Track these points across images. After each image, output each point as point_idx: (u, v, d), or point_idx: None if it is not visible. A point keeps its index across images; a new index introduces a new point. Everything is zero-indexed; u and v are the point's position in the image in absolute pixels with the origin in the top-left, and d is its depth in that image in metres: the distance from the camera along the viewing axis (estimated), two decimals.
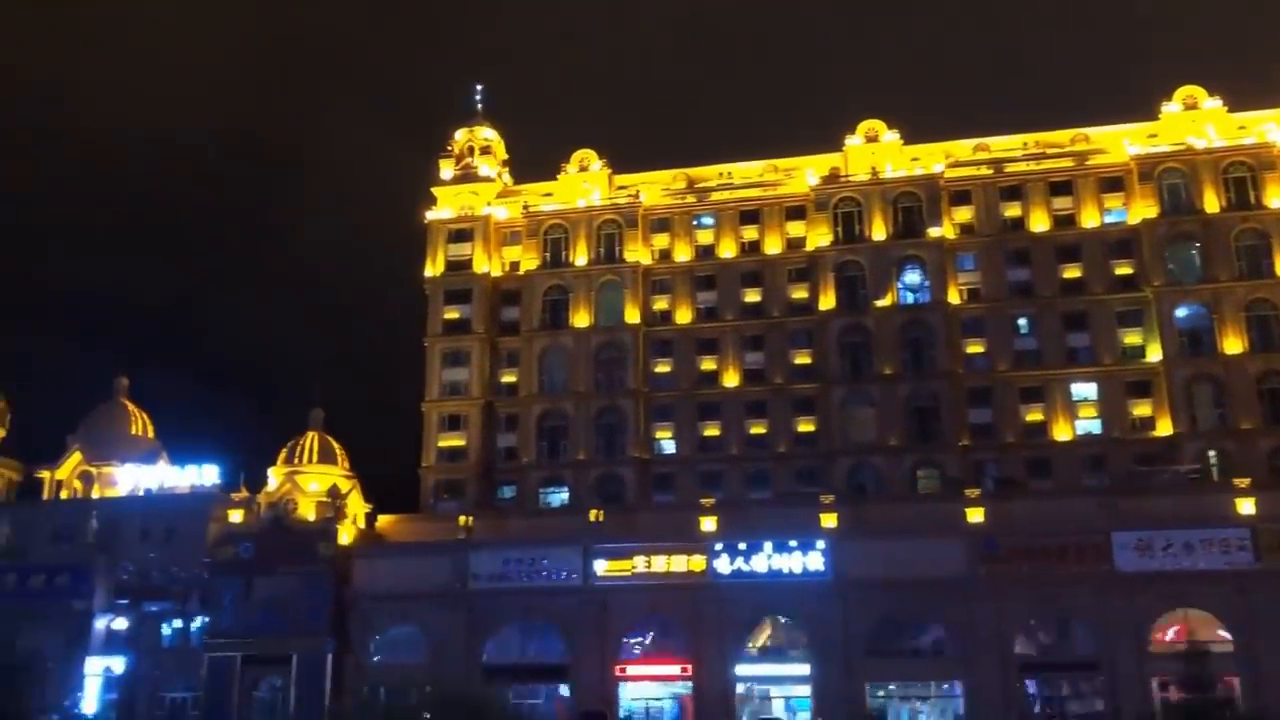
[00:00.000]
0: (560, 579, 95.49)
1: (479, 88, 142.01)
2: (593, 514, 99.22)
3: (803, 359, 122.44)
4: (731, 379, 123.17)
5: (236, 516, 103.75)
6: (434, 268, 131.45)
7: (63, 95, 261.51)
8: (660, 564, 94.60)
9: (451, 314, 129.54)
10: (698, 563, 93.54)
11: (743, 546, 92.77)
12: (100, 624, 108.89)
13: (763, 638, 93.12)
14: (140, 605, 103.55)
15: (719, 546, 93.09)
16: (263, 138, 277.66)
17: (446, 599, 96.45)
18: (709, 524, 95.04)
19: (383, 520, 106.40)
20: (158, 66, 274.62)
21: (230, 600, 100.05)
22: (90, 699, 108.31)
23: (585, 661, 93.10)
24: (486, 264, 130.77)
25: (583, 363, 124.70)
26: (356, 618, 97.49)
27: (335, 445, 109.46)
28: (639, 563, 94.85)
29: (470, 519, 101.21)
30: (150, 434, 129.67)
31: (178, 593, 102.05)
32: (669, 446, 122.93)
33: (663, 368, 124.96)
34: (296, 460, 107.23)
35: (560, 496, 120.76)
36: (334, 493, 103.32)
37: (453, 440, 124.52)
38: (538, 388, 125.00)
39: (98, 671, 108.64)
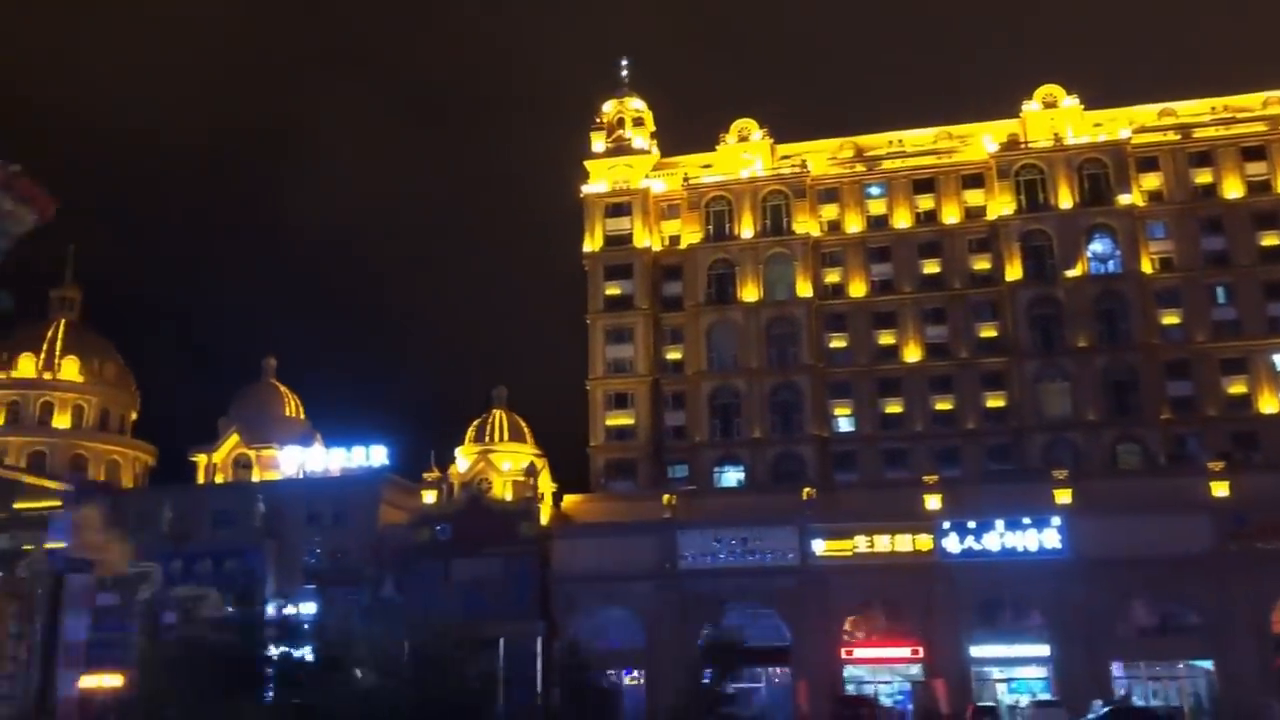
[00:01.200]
0: (775, 559, 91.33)
1: (624, 61, 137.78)
2: (805, 492, 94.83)
3: (988, 332, 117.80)
4: (913, 353, 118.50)
5: (430, 497, 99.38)
6: (592, 243, 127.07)
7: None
8: (884, 543, 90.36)
9: (613, 290, 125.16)
10: (924, 542, 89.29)
11: (972, 525, 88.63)
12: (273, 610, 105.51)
13: (997, 618, 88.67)
14: (328, 590, 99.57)
15: (946, 525, 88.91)
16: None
17: (656, 580, 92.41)
18: (933, 502, 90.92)
19: (568, 500, 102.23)
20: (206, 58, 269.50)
21: (429, 583, 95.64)
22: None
23: (808, 643, 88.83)
24: (646, 238, 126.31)
25: (753, 338, 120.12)
26: (559, 599, 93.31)
27: (523, 424, 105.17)
28: (860, 542, 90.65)
29: (673, 498, 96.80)
30: (301, 415, 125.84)
31: (370, 577, 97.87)
32: (847, 424, 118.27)
33: (838, 342, 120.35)
34: (487, 439, 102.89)
35: (735, 475, 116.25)
36: (531, 471, 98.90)
37: (620, 419, 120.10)
38: (706, 364, 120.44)
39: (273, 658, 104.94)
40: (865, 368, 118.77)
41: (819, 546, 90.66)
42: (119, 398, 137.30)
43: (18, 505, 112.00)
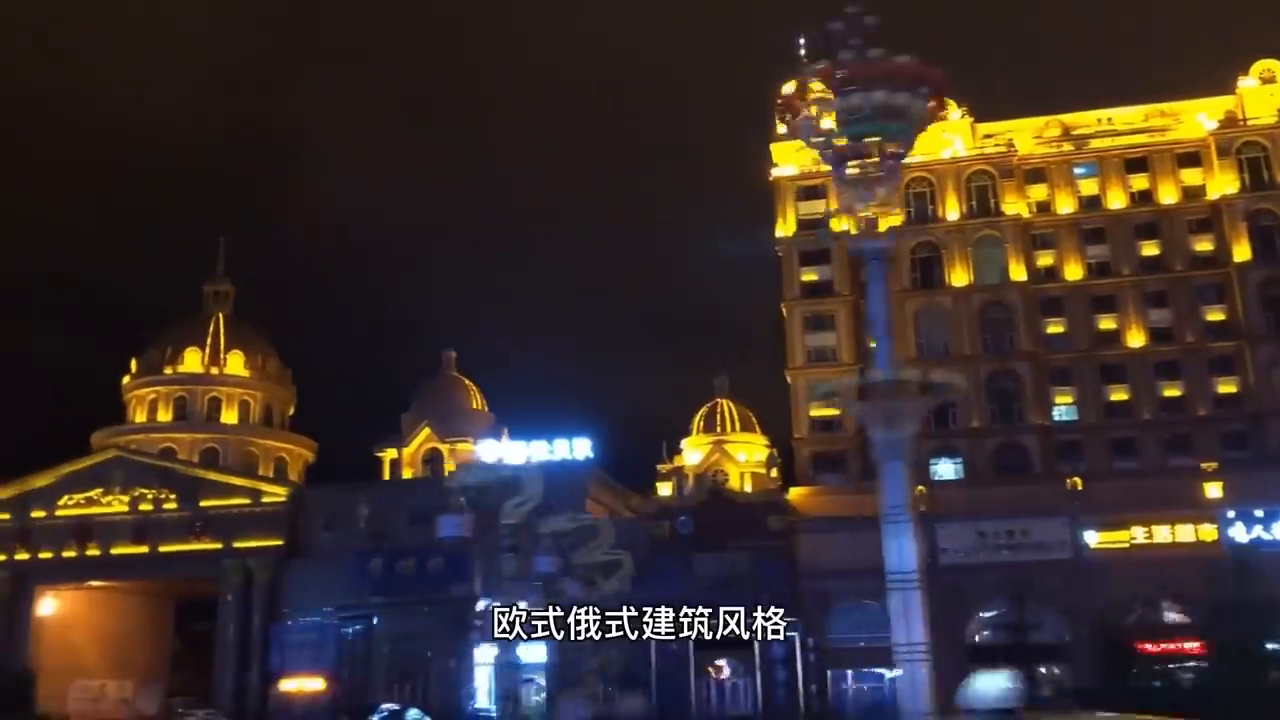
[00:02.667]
0: (1044, 552, 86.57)
1: (801, 40, 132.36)
2: (1069, 481, 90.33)
3: (1215, 315, 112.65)
4: (1136, 338, 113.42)
5: (665, 489, 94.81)
6: (785, 227, 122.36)
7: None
8: (1163, 534, 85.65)
9: (809, 276, 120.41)
10: (1208, 532, 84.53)
11: (1259, 513, 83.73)
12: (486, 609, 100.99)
13: None
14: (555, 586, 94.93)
15: (1231, 514, 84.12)
16: None
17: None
18: (1214, 490, 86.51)
19: (794, 493, 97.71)
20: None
21: (668, 579, 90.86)
22: (483, 691, 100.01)
23: (1085, 640, 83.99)
24: (842, 221, 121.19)
25: (965, 324, 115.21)
26: (809, 596, 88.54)
27: (751, 413, 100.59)
28: (1137, 533, 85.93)
29: (924, 490, 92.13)
30: (485, 408, 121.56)
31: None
32: (1068, 412, 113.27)
33: (1054, 328, 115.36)
34: (719, 429, 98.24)
35: (951, 467, 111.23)
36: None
37: (825, 410, 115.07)
38: (915, 351, 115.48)
39: (488, 661, 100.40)
40: (1085, 353, 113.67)
41: (1092, 538, 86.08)
42: (280, 393, 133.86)
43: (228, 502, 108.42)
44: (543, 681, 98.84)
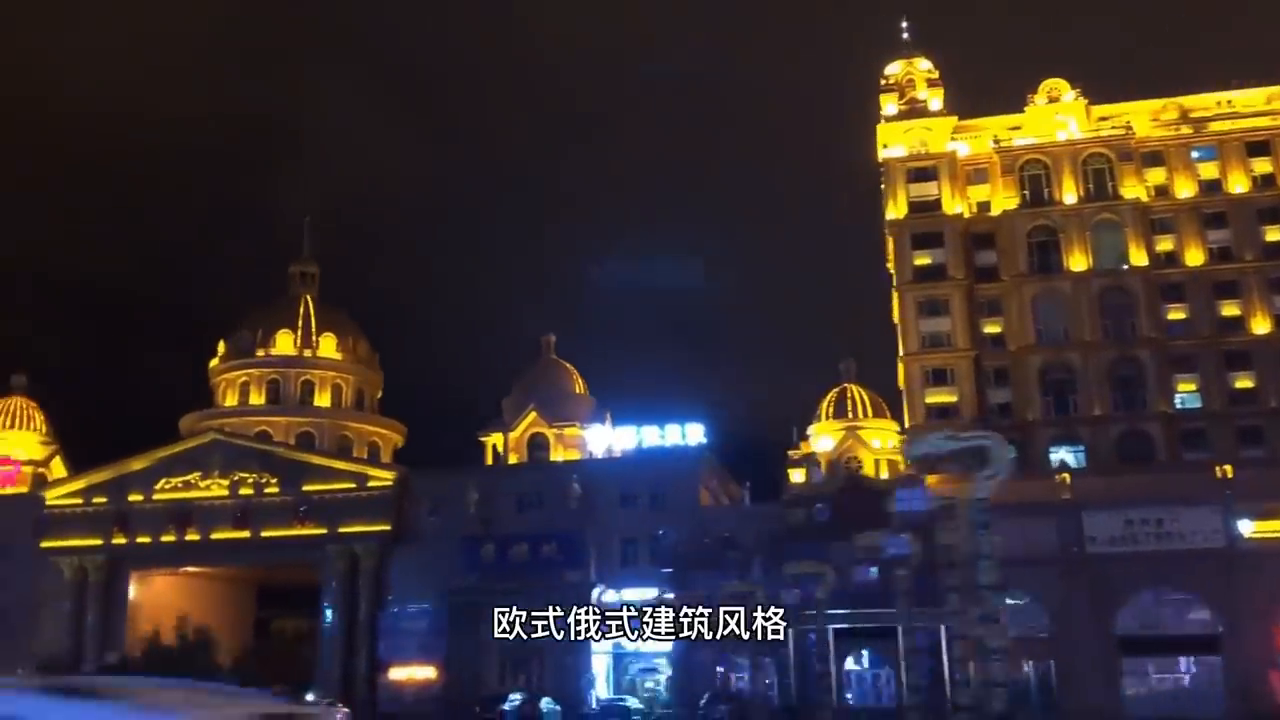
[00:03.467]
0: (1196, 541, 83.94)
1: (904, 22, 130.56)
2: (1218, 469, 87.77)
3: None
4: (1261, 325, 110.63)
5: (798, 476, 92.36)
6: (896, 209, 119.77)
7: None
8: None
9: (922, 259, 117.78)
10: None
11: None
12: (602, 597, 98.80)
13: None
14: (687, 575, 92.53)
15: None
16: None
17: (1061, 564, 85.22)
18: None
19: (930, 480, 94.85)
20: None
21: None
22: (601, 681, 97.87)
23: (1240, 632, 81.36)
24: (955, 204, 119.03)
25: (1085, 310, 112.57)
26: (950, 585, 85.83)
27: (882, 400, 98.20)
28: None
29: (1066, 478, 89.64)
30: (586, 392, 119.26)
31: (737, 560, 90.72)
32: (1191, 400, 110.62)
33: (1176, 314, 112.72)
34: (851, 415, 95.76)
35: (1072, 455, 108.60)
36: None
37: (941, 396, 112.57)
38: (1034, 338, 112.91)
39: (607, 650, 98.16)
40: (1208, 340, 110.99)
41: (1247, 527, 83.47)
42: (371, 377, 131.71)
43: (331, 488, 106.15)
44: (666, 670, 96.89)
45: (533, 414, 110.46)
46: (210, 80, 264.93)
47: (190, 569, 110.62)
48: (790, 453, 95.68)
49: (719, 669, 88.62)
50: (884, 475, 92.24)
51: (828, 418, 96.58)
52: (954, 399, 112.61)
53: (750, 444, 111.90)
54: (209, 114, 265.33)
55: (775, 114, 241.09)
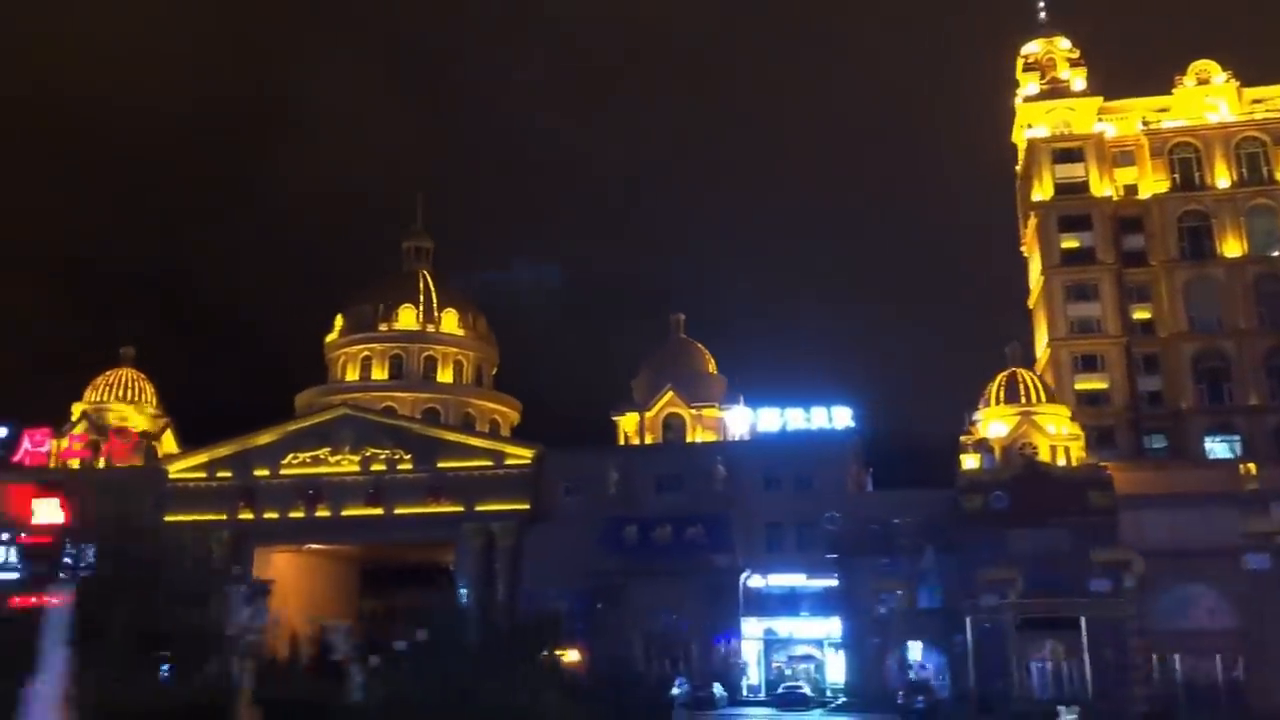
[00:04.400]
0: None
1: (1041, 1, 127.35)
2: None
3: None
4: None
5: (971, 462, 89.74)
6: (1043, 191, 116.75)
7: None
8: None
9: (1070, 243, 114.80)
10: None
11: None
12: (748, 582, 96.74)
13: None
14: (850, 560, 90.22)
15: None
16: None
17: (1250, 555, 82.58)
18: None
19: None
20: None
21: (976, 555, 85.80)
22: (753, 666, 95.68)
23: None
24: (1103, 186, 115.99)
25: (1239, 297, 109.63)
26: (1131, 575, 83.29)
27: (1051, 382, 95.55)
28: None
29: (1253, 468, 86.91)
30: (717, 372, 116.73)
31: (906, 547, 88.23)
32: None
33: None
34: (1023, 400, 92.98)
35: (1228, 446, 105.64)
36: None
37: (1091, 383, 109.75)
38: (1186, 325, 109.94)
39: (757, 636, 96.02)
40: None
41: None
42: (489, 353, 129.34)
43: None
44: (822, 656, 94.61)
45: (669, 394, 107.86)
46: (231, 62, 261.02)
47: (314, 546, 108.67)
48: (963, 439, 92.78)
49: (912, 660, 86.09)
50: (1060, 461, 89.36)
51: (998, 402, 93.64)
52: (1104, 386, 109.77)
53: (882, 428, 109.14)
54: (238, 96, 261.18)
55: (903, 89, 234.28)
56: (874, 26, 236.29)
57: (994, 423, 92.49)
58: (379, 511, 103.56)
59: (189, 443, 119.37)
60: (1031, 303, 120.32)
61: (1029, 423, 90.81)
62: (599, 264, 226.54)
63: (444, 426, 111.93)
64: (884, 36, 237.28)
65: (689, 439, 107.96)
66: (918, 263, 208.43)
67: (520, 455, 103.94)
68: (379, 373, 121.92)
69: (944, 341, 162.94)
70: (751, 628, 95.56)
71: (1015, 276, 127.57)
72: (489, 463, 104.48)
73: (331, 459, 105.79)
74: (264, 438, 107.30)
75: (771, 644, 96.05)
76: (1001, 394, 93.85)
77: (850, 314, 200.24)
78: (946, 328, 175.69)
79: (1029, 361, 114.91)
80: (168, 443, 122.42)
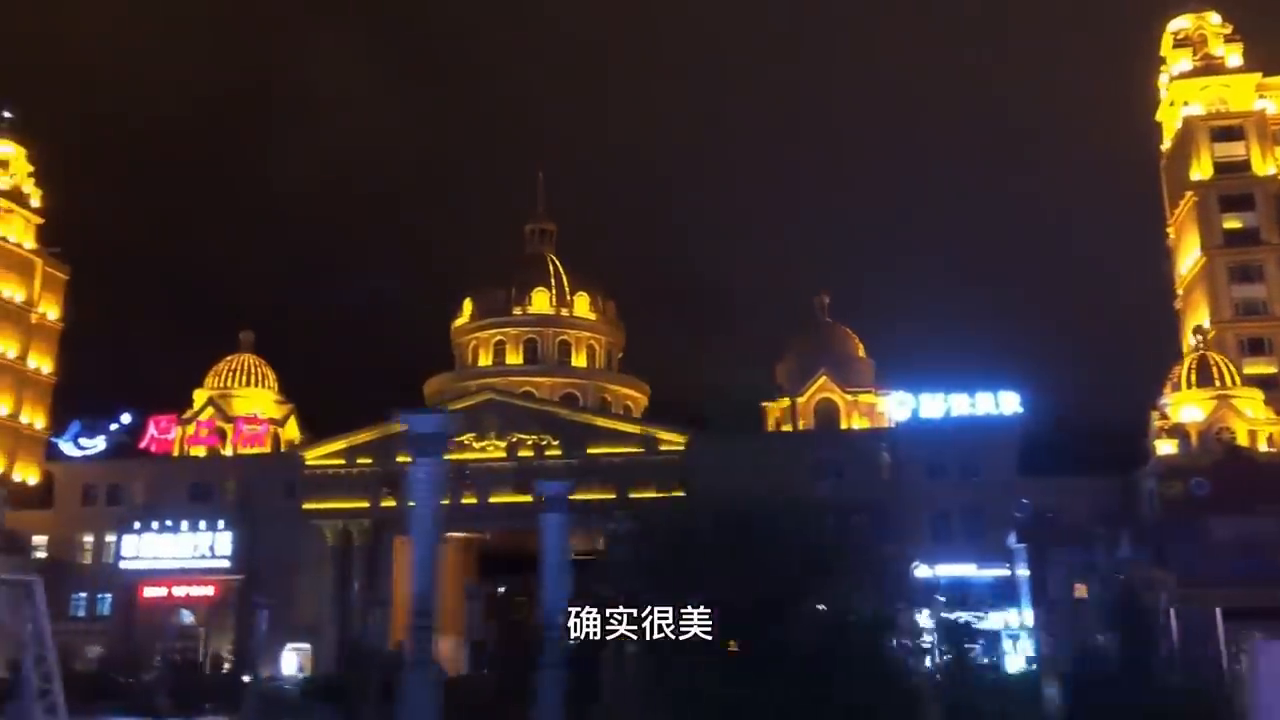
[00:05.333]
0: None
1: None
2: None
3: None
4: None
5: (1168, 448, 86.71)
6: (1200, 169, 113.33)
7: None
8: None
9: (1232, 223, 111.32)
10: None
11: None
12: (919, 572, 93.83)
13: None
14: (1044, 551, 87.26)
15: None
16: None
17: None
18: None
19: None
20: None
21: (1187, 545, 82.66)
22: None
23: None
24: (1265, 165, 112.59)
25: None
26: None
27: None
28: None
29: None
30: (866, 356, 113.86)
31: (1102, 535, 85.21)
32: None
33: None
34: (1218, 383, 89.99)
35: None
36: None
37: (1260, 367, 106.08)
38: None
39: (927, 627, 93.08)
40: None
41: None
42: (617, 336, 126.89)
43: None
44: (1003, 648, 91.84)
45: (823, 378, 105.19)
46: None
47: (457, 534, 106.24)
48: (1158, 424, 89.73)
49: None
50: (1261, 446, 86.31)
51: (1189, 386, 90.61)
52: (1273, 370, 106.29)
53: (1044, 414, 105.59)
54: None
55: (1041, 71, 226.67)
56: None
57: (1186, 407, 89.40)
58: (528, 498, 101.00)
59: (310, 429, 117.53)
60: (1182, 286, 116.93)
61: (1227, 406, 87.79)
62: (714, 246, 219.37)
63: (589, 411, 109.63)
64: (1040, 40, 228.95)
65: (842, 425, 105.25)
66: (1048, 246, 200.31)
67: (673, 441, 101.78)
68: (513, 357, 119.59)
69: (1084, 327, 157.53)
70: (923, 620, 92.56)
71: (1151, 257, 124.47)
72: (640, 449, 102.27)
73: (477, 445, 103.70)
74: (395, 426, 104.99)
75: (950, 633, 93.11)
76: (1193, 377, 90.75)
77: (997, 300, 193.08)
78: (1082, 313, 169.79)
79: (1177, 345, 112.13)
80: (291, 429, 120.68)
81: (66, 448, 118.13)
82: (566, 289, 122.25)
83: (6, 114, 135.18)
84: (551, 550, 51.83)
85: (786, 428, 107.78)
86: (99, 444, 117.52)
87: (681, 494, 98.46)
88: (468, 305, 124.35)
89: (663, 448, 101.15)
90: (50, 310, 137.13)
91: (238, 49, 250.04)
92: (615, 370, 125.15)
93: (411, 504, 40.92)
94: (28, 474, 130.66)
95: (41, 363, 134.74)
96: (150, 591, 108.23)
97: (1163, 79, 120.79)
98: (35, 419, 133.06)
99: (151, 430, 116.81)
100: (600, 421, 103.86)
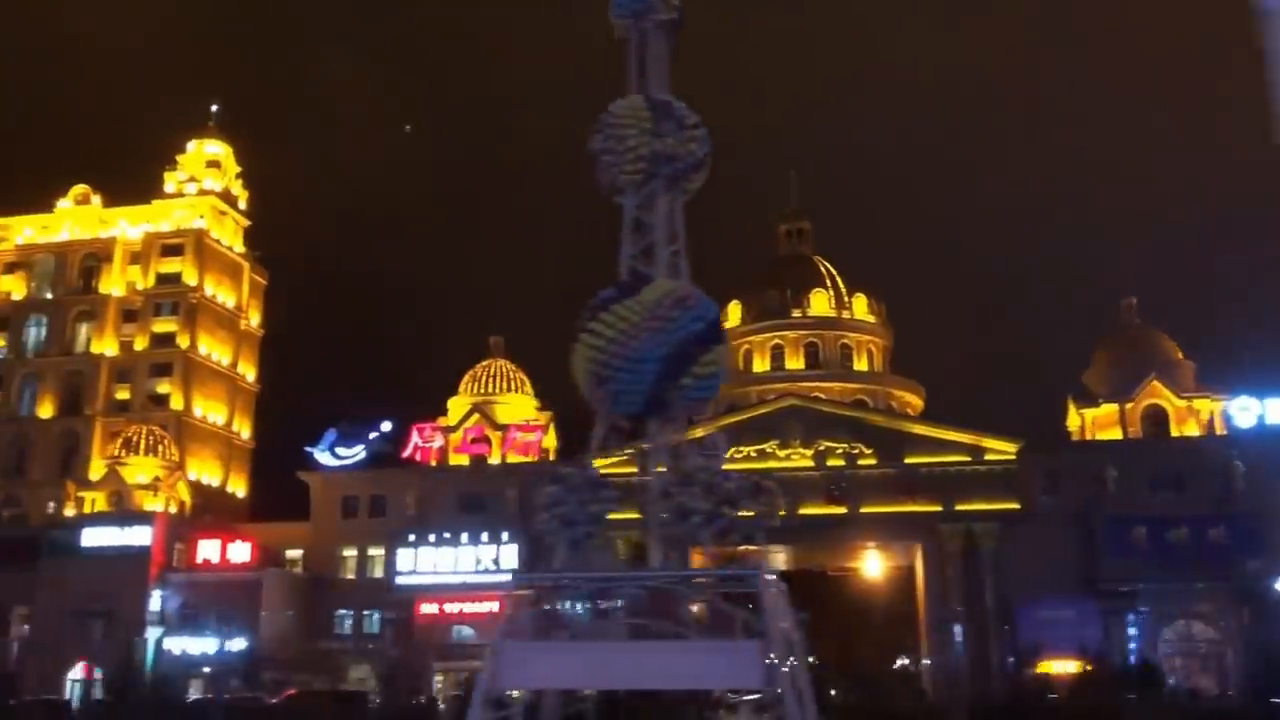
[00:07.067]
0: None
1: None
2: None
3: None
4: None
5: None
6: None
7: None
8: None
9: None
10: None
11: None
12: None
13: None
14: None
15: None
16: None
17: None
18: None
19: None
20: None
21: None
22: None
23: None
24: None
25: None
26: None
27: None
28: None
29: None
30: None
31: None
32: None
33: None
34: None
35: None
36: None
37: None
38: None
39: None
40: None
41: None
42: (890, 338, 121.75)
43: None
44: None
45: (1154, 383, 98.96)
46: None
47: (765, 548, 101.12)
48: None
49: None
50: None
51: None
52: None
53: None
54: None
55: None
56: None
57: None
58: (842, 510, 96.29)
59: (569, 435, 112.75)
60: None
61: None
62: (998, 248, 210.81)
63: (906, 418, 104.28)
64: None
65: (1172, 432, 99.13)
66: None
67: (1003, 450, 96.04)
68: (793, 362, 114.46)
69: None
70: None
71: None
72: (966, 458, 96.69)
73: (781, 453, 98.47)
74: (699, 431, 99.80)
75: None
76: None
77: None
78: None
79: None
80: (549, 436, 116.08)
81: (323, 457, 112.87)
82: (844, 290, 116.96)
83: (214, 108, 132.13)
84: None
85: (1103, 435, 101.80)
86: (358, 453, 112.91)
87: (1016, 505, 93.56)
88: (735, 308, 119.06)
89: (989, 457, 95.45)
90: (254, 316, 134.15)
91: None
92: (890, 373, 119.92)
93: None
94: (237, 485, 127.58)
95: (247, 370, 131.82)
96: (425, 608, 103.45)
97: None
98: (242, 429, 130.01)
99: (415, 439, 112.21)
100: (920, 429, 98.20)
